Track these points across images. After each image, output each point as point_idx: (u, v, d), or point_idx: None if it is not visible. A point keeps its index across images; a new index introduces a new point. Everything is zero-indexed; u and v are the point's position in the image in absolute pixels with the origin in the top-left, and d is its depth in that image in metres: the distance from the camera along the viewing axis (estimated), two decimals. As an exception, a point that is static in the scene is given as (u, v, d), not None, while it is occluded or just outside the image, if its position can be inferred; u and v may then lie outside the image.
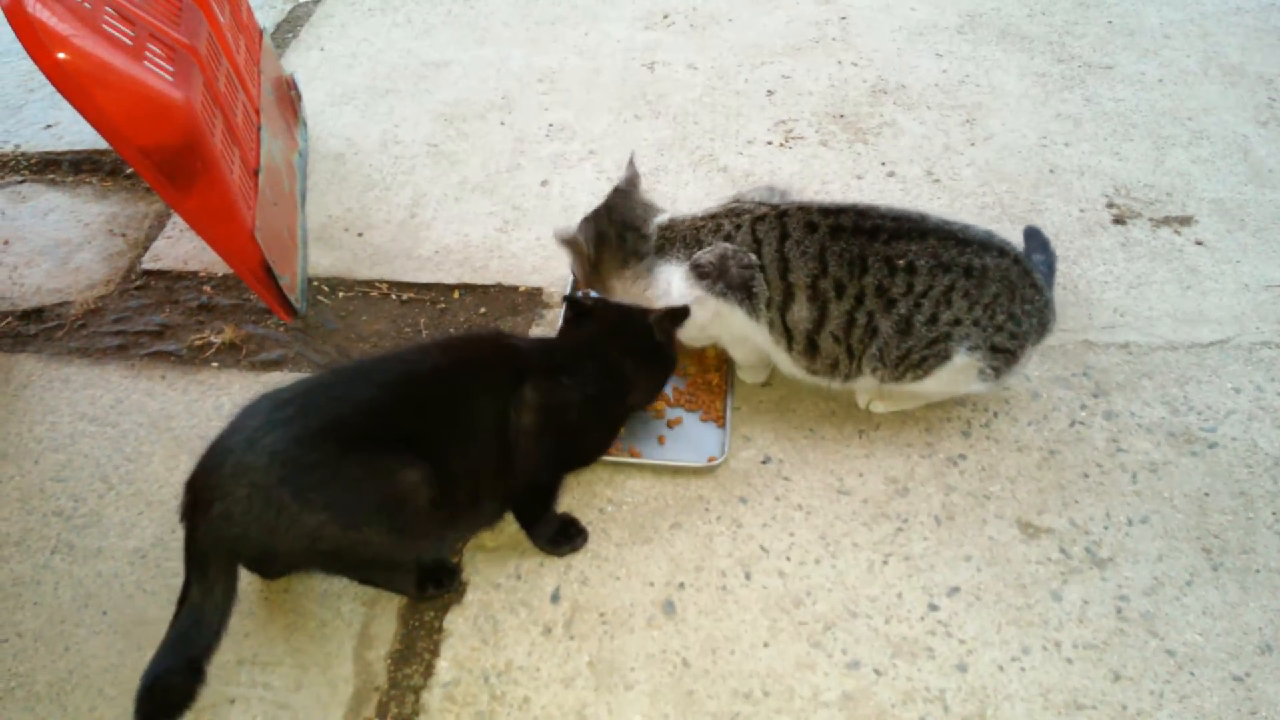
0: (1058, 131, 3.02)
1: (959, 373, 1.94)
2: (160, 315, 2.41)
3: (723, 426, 2.12)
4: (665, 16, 3.66)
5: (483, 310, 2.45)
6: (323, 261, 2.57)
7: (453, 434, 1.63)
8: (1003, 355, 1.93)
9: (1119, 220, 2.67)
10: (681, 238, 2.02)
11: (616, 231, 2.05)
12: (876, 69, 3.32)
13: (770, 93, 3.21)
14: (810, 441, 2.10)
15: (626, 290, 2.05)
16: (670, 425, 2.13)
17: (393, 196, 2.79)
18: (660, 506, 1.98)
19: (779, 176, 2.85)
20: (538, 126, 3.06)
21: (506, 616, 1.79)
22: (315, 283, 2.51)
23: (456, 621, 1.79)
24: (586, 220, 2.11)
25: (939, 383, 1.97)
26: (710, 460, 2.05)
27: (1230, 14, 3.56)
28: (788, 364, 2.03)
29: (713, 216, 2.05)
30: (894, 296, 1.88)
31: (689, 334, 2.08)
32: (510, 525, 1.90)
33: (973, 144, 2.97)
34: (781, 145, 2.98)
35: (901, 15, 3.64)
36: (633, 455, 2.05)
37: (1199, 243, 2.59)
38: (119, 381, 2.25)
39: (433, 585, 1.81)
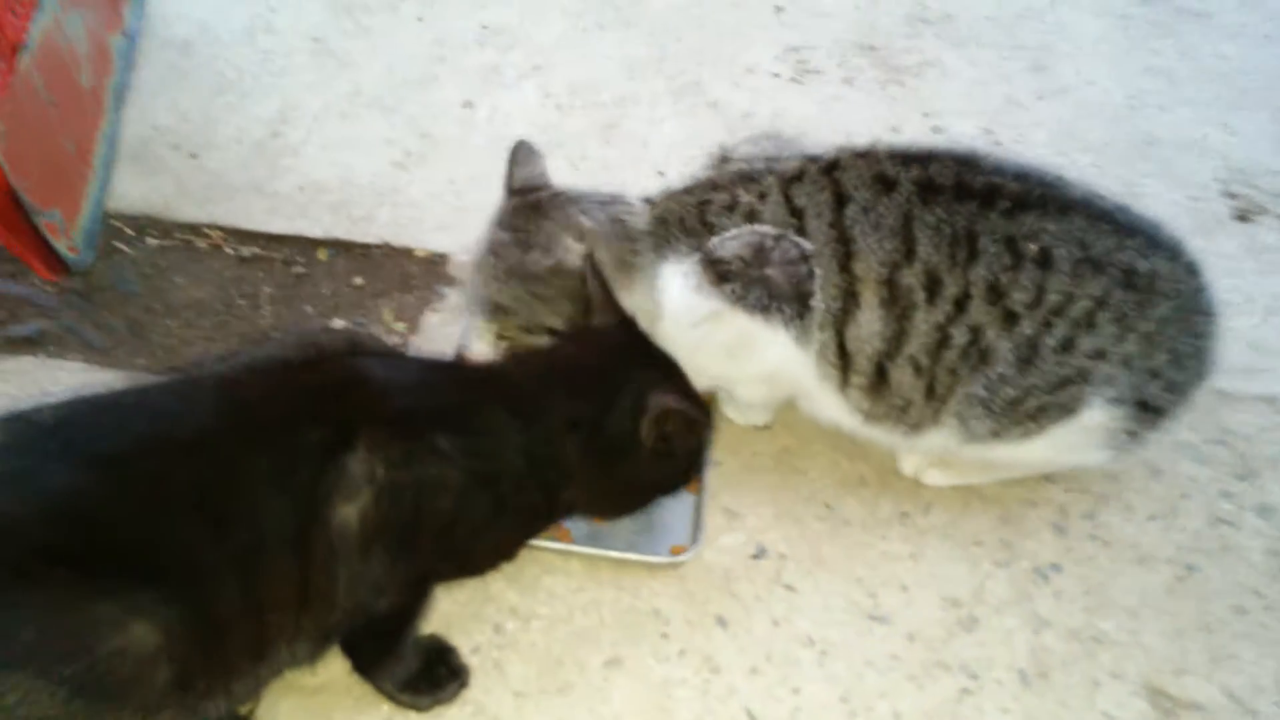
0: (1150, 90, 2.29)
1: (1082, 435, 1.28)
2: None
3: (696, 494, 1.39)
4: (648, -96, 2.85)
5: (358, 281, 1.69)
6: (133, 191, 1.78)
7: (226, 545, 0.89)
8: (1150, 415, 1.25)
9: (1242, 216, 1.97)
10: (679, 222, 1.30)
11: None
12: (915, -9, 2.56)
13: (778, 10, 2.44)
14: (827, 525, 1.39)
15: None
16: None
17: (252, 105, 1.99)
18: (592, 626, 1.26)
19: (787, 120, 2.10)
20: (467, 27, 2.26)
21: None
22: (116, 222, 1.72)
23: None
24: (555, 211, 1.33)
25: (1048, 447, 1.30)
26: (674, 552, 1.32)
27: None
28: (836, 408, 1.32)
29: (713, 186, 1.31)
30: (1015, 306, 1.20)
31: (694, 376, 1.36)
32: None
33: (1041, 97, 2.24)
34: (792, 79, 2.22)
35: (945, -70, 2.87)
36: (559, 538, 1.32)
37: (1352, 255, 1.90)
38: None
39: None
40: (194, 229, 1.73)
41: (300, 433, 0.92)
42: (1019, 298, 1.20)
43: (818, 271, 1.24)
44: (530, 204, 1.35)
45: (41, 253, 1.50)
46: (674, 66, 2.22)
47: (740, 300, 1.25)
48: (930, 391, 1.27)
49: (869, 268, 1.23)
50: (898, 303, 1.23)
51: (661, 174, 1.91)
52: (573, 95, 2.10)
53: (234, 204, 1.78)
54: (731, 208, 1.28)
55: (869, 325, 1.23)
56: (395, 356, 1.09)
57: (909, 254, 1.22)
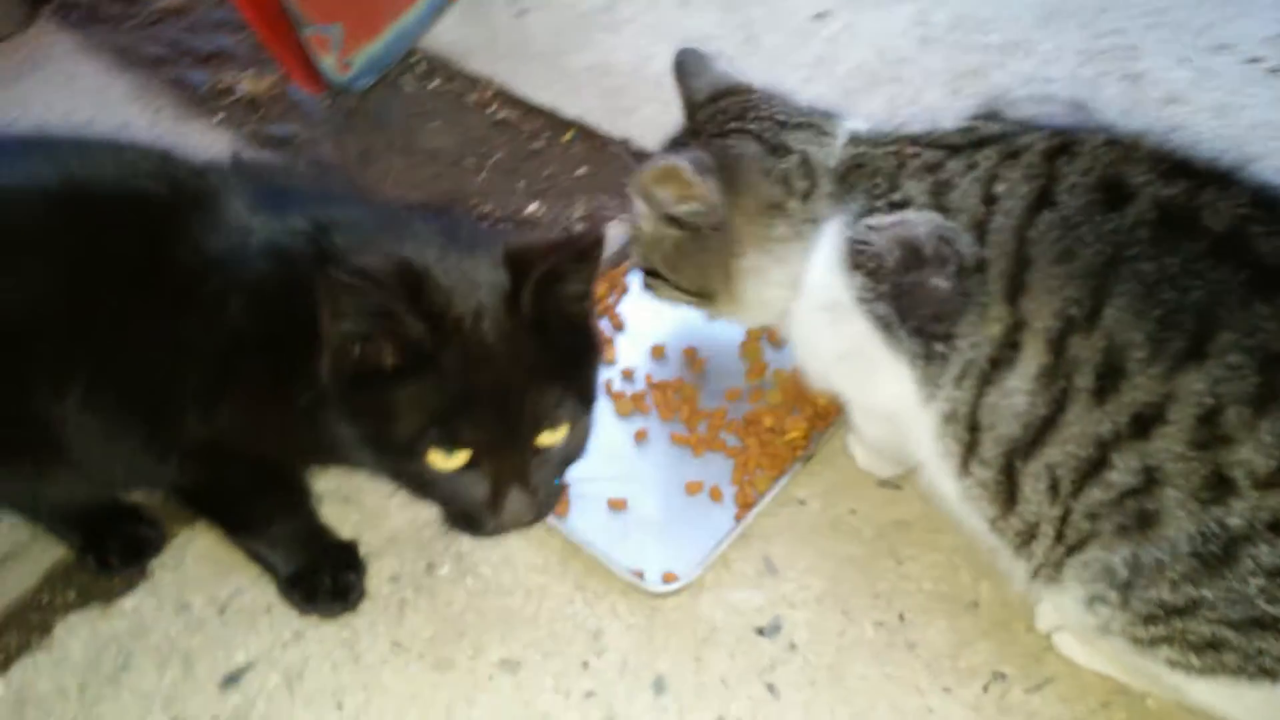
0: None
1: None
2: (228, 38, 1.82)
3: (739, 521, 1.08)
4: None
5: (580, 171, 1.55)
6: (449, 34, 1.79)
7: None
8: None
9: None
10: (873, 171, 0.95)
11: (764, 144, 1.00)
12: None
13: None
14: (881, 639, 1.00)
15: (769, 276, 1.01)
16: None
17: (607, -25, 1.90)
18: (522, 613, 1.05)
19: (1233, 119, 1.51)
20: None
21: (109, 689, 1.01)
22: (415, 58, 1.75)
23: (71, 640, 1.05)
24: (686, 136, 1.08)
25: (1216, 697, 0.83)
26: (666, 579, 1.04)
27: None
28: (952, 491, 0.93)
29: (939, 142, 0.95)
30: (1233, 470, 0.73)
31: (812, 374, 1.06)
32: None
33: None
34: (1273, 70, 1.59)
35: None
36: (557, 510, 1.10)
37: None
38: (115, 101, 1.72)
39: (95, 555, 1.08)
40: (474, 81, 1.71)
41: (109, 240, 0.83)
42: (1246, 459, 0.72)
43: (979, 300, 0.84)
44: (708, 117, 1.08)
45: (301, 62, 1.57)
46: (1111, 22, 1.70)
47: (866, 304, 0.91)
48: (1060, 531, 0.83)
49: (1040, 311, 0.81)
50: (1056, 378, 0.80)
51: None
52: (952, 29, 1.71)
53: (521, 67, 1.71)
54: (931, 170, 0.92)
55: (1015, 395, 0.82)
56: (283, 188, 0.91)
57: (1093, 312, 0.79)
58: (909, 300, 0.86)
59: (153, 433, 0.88)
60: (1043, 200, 0.83)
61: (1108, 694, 0.94)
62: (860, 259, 0.90)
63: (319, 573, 1.03)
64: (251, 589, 1.07)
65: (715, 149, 1.00)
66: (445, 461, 0.80)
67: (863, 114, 1.08)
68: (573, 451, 0.87)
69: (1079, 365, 0.78)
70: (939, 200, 0.88)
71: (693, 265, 1.03)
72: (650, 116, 1.60)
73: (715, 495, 1.11)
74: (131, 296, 0.83)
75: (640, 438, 1.17)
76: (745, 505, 1.09)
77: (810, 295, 0.97)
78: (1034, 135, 0.88)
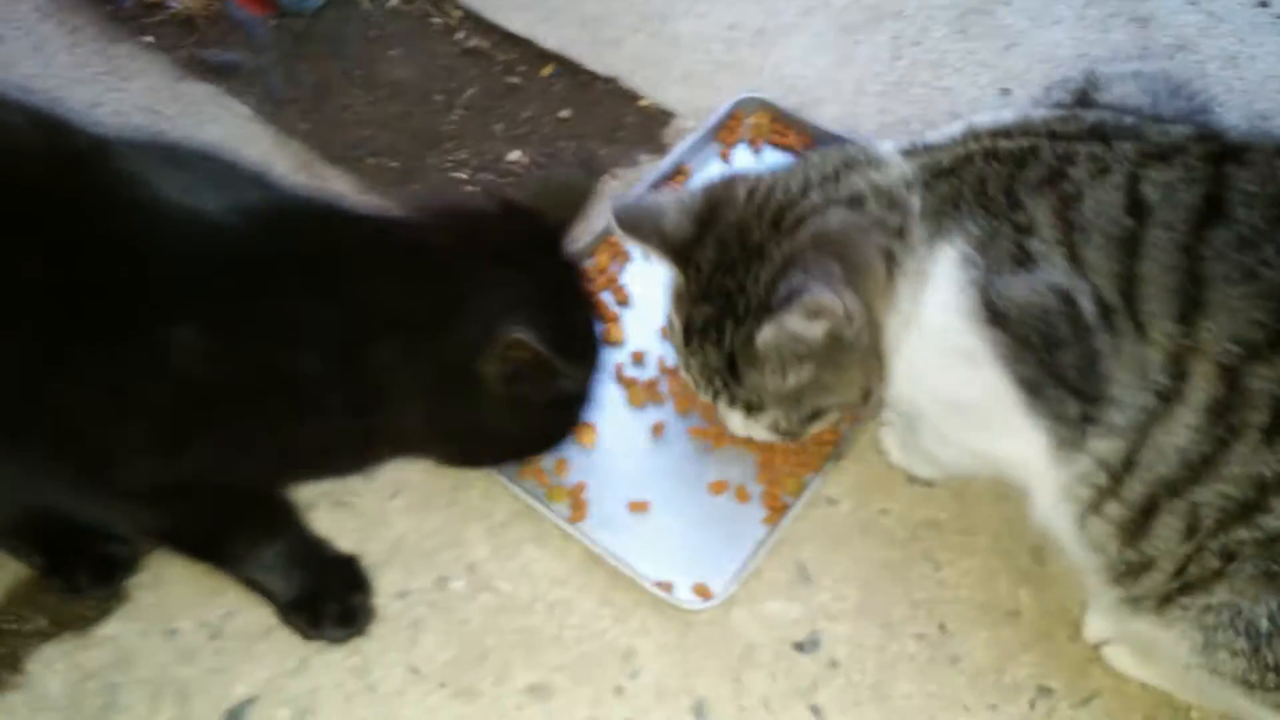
0: None
1: None
2: (153, -60, 1.60)
3: (772, 525, 1.02)
4: None
5: (564, 114, 1.42)
6: (410, -55, 1.61)
7: None
8: None
9: None
10: (976, 185, 0.84)
11: (835, 203, 0.88)
12: None
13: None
14: (923, 652, 0.97)
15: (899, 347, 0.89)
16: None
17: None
18: (546, 632, 0.98)
19: (1244, 70, 1.46)
20: None
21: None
22: (368, -29, 1.57)
23: (48, 675, 0.95)
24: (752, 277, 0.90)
25: None
26: (697, 591, 0.98)
27: None
28: (1068, 528, 0.85)
29: (1051, 135, 0.84)
30: None
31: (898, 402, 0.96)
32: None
33: None
34: (1281, 15, 1.54)
35: None
36: (572, 517, 1.03)
37: None
38: (24, 17, 1.50)
39: (62, 578, 0.97)
40: (438, 2, 1.54)
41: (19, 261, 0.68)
42: None
43: (1126, 340, 0.76)
44: (730, 237, 0.90)
45: (246, -21, 1.39)
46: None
47: (1008, 363, 0.80)
48: (1180, 569, 0.78)
49: (1215, 334, 0.73)
50: (1227, 414, 0.73)
51: (1007, 91, 1.43)
52: None
53: (497, -13, 1.55)
54: (1051, 182, 0.81)
55: (1177, 431, 0.75)
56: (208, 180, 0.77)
57: (1276, 341, 0.72)
58: (1056, 370, 0.78)
59: (82, 480, 0.76)
60: (1211, 211, 0.75)
61: (1153, 707, 0.93)
62: (998, 313, 0.80)
63: (322, 597, 0.94)
64: (246, 611, 0.98)
65: (812, 248, 0.86)
66: None
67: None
68: None
69: (1254, 398, 0.71)
70: (1067, 216, 0.79)
71: (850, 370, 0.90)
72: (637, 50, 1.48)
73: (741, 495, 1.05)
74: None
75: (658, 432, 1.09)
76: (774, 508, 1.03)
77: (931, 336, 0.85)
78: (1180, 132, 0.80)
